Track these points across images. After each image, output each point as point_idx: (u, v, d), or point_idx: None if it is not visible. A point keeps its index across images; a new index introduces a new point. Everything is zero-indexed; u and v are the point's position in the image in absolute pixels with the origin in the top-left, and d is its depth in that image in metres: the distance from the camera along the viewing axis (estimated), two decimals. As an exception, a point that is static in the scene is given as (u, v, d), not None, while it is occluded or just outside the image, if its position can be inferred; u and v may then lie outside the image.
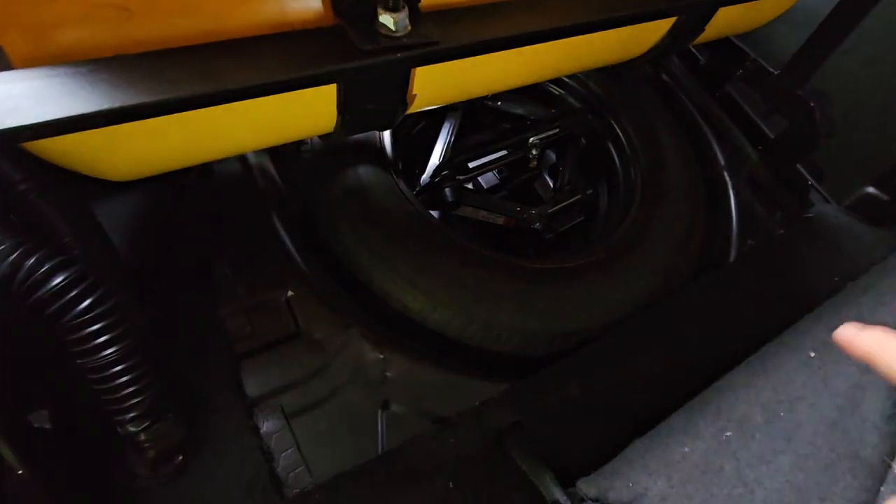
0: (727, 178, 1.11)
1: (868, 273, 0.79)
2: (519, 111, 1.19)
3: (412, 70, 0.50)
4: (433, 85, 0.56)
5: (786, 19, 1.02)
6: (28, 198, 0.47)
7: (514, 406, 0.70)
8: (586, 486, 0.57)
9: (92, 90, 0.34)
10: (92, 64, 0.34)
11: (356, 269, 0.82)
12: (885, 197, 0.98)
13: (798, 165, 1.02)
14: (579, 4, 0.55)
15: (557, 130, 1.12)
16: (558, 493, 0.58)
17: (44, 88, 0.33)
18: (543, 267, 0.86)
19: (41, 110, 0.32)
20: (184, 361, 0.69)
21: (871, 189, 0.99)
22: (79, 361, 0.51)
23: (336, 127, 0.53)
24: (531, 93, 1.18)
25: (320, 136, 0.61)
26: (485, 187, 1.14)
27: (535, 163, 1.13)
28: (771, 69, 1.02)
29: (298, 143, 0.91)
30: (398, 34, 0.42)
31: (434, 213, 1.03)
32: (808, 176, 1.02)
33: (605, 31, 0.60)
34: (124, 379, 0.53)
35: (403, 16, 0.42)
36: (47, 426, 0.56)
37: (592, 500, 0.55)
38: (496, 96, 1.17)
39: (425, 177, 1.02)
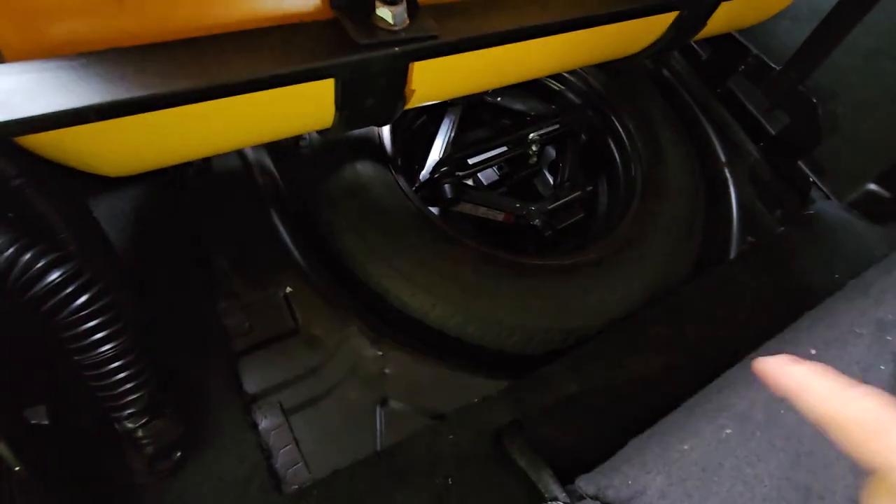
0: (728, 175, 1.10)
1: (869, 270, 0.79)
2: (519, 107, 1.19)
3: (410, 65, 0.50)
4: (432, 80, 0.56)
5: (788, 14, 1.01)
6: (23, 193, 0.47)
7: (513, 403, 0.70)
8: (585, 484, 0.57)
9: (84, 84, 0.33)
10: (84, 57, 0.34)
11: (355, 266, 0.82)
12: (886, 194, 0.97)
13: (799, 162, 1.02)
14: (580, -2, 0.55)
15: (557, 126, 1.11)
16: (557, 491, 0.58)
17: (35, 82, 0.32)
18: (543, 264, 0.85)
19: (33, 104, 0.32)
20: (182, 358, 0.68)
21: (872, 186, 0.99)
22: (76, 358, 0.51)
23: (334, 122, 0.53)
24: (531, 88, 1.18)
25: (318, 132, 0.60)
26: (484, 183, 1.14)
27: (534, 159, 1.13)
28: (773, 65, 1.01)
29: (297, 139, 0.90)
30: (396, 28, 0.42)
31: (433, 210, 1.03)
32: (809, 172, 1.01)
33: (606, 26, 0.59)
34: (121, 375, 0.52)
35: (401, 9, 0.42)
36: (44, 422, 0.56)
37: (591, 498, 0.55)
38: (496, 92, 1.17)
39: (425, 173, 1.02)
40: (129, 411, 0.54)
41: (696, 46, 1.18)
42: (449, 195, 0.99)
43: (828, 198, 1.01)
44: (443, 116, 1.08)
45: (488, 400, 0.70)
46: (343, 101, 0.48)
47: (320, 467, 0.67)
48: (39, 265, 0.46)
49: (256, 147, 0.91)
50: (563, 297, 0.83)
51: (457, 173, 1.01)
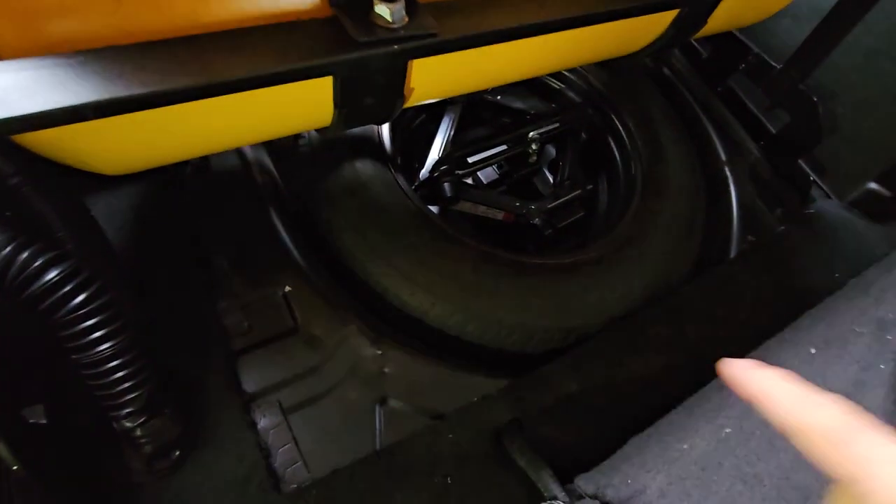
0: (728, 174, 1.10)
1: (869, 269, 0.79)
2: (519, 105, 1.18)
3: (409, 63, 0.50)
4: (431, 78, 0.56)
5: (788, 13, 1.01)
6: (20, 191, 0.46)
7: (513, 403, 0.70)
8: (584, 483, 0.57)
9: (82, 81, 0.33)
10: (82, 55, 0.34)
11: (354, 265, 0.81)
12: (887, 193, 0.97)
13: (800, 161, 1.02)
14: (580, -4, 0.54)
15: (557, 125, 1.11)
16: (556, 490, 0.58)
17: (33, 79, 0.32)
18: (543, 262, 0.85)
19: (30, 102, 0.32)
20: (181, 357, 0.68)
21: (873, 185, 0.99)
22: (73, 357, 0.51)
23: (333, 121, 0.53)
24: (531, 87, 1.18)
25: (317, 130, 0.60)
26: (484, 182, 1.14)
27: (534, 158, 1.12)
28: (773, 63, 1.01)
29: (296, 138, 0.90)
30: (395, 25, 0.42)
31: (433, 209, 1.03)
32: (809, 171, 1.01)
33: (606, 24, 0.59)
34: (120, 374, 0.52)
35: (400, 7, 0.41)
36: (43, 421, 0.56)
37: (590, 497, 0.55)
38: (496, 90, 1.16)
39: (424, 171, 1.02)
40: (127, 410, 0.54)
41: (696, 45, 1.18)
42: (448, 194, 0.99)
43: (828, 197, 1.00)
44: (442, 115, 1.08)
45: (488, 399, 0.70)
46: (342, 99, 0.48)
47: (319, 466, 0.67)
48: (37, 264, 0.46)
49: (255, 146, 0.91)
50: (563, 296, 0.83)
51: (456, 172, 1.01)
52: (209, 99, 0.39)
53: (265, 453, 0.66)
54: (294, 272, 0.80)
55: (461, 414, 0.69)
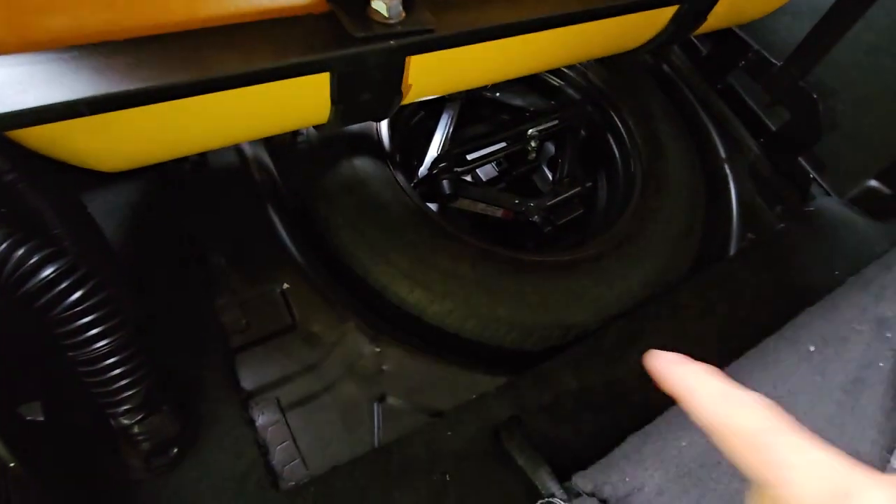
0: (728, 171, 1.10)
1: (869, 267, 0.79)
2: (518, 102, 1.18)
3: (407, 59, 0.49)
4: (429, 74, 0.55)
5: (788, 10, 1.00)
6: (16, 188, 0.46)
7: (511, 400, 0.70)
8: (582, 481, 0.57)
9: (76, 77, 0.33)
10: (76, 50, 0.33)
11: (353, 262, 0.81)
12: (887, 190, 0.97)
13: (799, 158, 1.01)
14: (579, -8, 0.54)
15: (557, 122, 1.11)
16: (554, 488, 0.57)
17: (26, 75, 0.32)
18: (542, 260, 0.85)
19: (23, 98, 0.31)
20: (179, 354, 0.68)
21: (873, 182, 0.98)
22: (70, 354, 0.50)
23: (330, 117, 0.53)
24: (530, 84, 1.17)
25: (315, 127, 0.60)
26: (483, 179, 1.13)
27: (533, 155, 1.12)
28: (774, 60, 1.01)
29: (294, 134, 0.90)
30: (392, 21, 0.41)
31: (432, 206, 1.02)
32: (809, 169, 1.01)
33: (606, 20, 0.59)
34: (117, 372, 0.52)
35: (397, 2, 0.41)
36: (40, 419, 0.55)
37: (588, 495, 0.55)
38: (495, 87, 1.16)
39: (423, 169, 1.01)
40: (124, 407, 0.54)
41: (696, 42, 1.17)
42: (447, 191, 0.98)
43: (828, 194, 1.00)
44: (441, 112, 1.07)
45: (486, 396, 0.70)
46: (339, 95, 0.48)
47: (318, 464, 0.67)
48: (33, 260, 0.46)
49: (253, 142, 0.91)
50: (562, 294, 0.83)
51: (455, 169, 1.01)
52: (205, 95, 0.38)
53: (263, 450, 0.66)
54: (292, 269, 0.80)
55: (460, 411, 0.69)
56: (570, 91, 1.15)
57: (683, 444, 0.58)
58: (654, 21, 0.71)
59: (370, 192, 0.84)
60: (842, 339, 0.66)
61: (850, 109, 0.99)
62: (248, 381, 0.71)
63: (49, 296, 0.47)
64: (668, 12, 0.70)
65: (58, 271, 0.47)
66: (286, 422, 0.69)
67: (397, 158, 0.93)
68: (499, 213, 1.05)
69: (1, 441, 0.48)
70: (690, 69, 1.18)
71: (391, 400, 0.74)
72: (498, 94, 1.16)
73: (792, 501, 0.27)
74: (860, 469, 0.27)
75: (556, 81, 1.16)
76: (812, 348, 0.65)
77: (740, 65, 1.08)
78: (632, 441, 0.60)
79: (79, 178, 0.52)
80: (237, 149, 0.89)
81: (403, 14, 0.43)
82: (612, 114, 1.10)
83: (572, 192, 1.08)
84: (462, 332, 0.80)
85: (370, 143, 0.89)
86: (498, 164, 1.15)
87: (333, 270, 0.83)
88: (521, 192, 1.11)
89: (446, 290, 0.78)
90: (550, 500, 0.57)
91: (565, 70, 1.13)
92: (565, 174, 1.11)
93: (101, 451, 0.59)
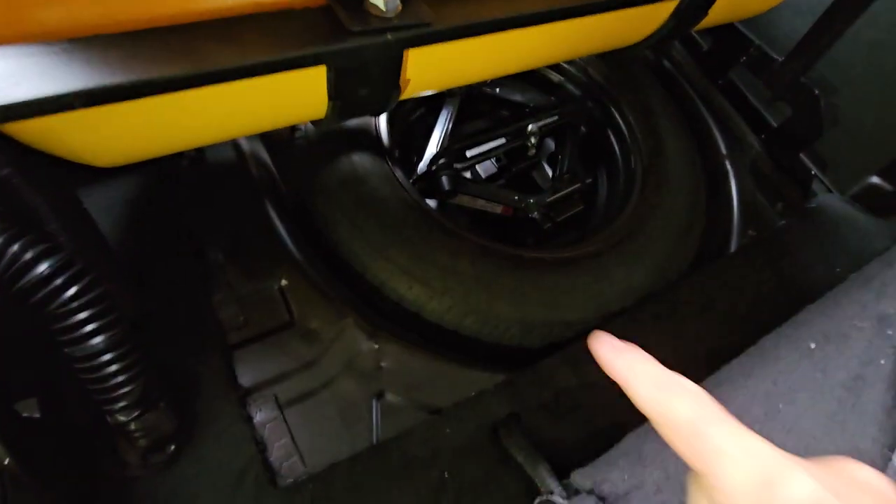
0: (728, 168, 1.09)
1: (870, 264, 0.78)
2: (518, 98, 1.18)
3: (405, 53, 0.49)
4: (427, 69, 0.55)
5: (791, 5, 1.00)
6: (10, 183, 0.46)
7: (511, 397, 0.69)
8: (581, 478, 0.56)
9: (69, 70, 0.33)
10: (68, 43, 0.33)
11: (351, 258, 0.81)
12: (889, 187, 0.96)
13: (801, 155, 1.01)
14: (578, -14, 0.53)
15: (557, 118, 1.10)
16: (553, 485, 0.57)
17: (17, 68, 0.32)
18: (541, 257, 0.85)
19: (15, 91, 0.31)
20: (176, 351, 0.68)
21: (875, 179, 0.98)
22: (66, 350, 0.50)
23: (327, 112, 0.52)
24: (530, 80, 1.17)
25: (313, 122, 0.60)
26: (482, 176, 1.13)
27: (533, 151, 1.12)
28: (775, 56, 1.00)
29: (292, 130, 0.90)
30: (388, 15, 0.41)
31: (431, 202, 1.02)
32: (811, 165, 1.00)
33: (606, 14, 0.58)
34: (113, 368, 0.52)
35: (394, -5, 0.41)
36: (36, 415, 0.55)
37: (587, 492, 0.55)
38: (495, 83, 1.16)
39: (422, 165, 1.01)
40: (121, 404, 0.54)
41: (697, 37, 1.17)
42: (446, 187, 0.98)
43: (829, 191, 1.00)
44: (440, 108, 1.07)
45: (485, 393, 0.70)
46: (336, 90, 0.47)
47: (316, 461, 0.67)
48: (28, 256, 0.45)
49: (251, 138, 0.90)
50: (562, 290, 0.82)
51: (455, 165, 1.00)
52: (200, 89, 0.38)
53: (261, 448, 0.65)
54: (290, 266, 0.80)
55: (459, 408, 0.68)
56: (571, 87, 1.15)
57: (683, 441, 0.57)
58: (655, 16, 0.71)
59: (369, 188, 0.83)
60: (843, 336, 0.66)
61: (852, 106, 0.99)
62: (245, 378, 0.71)
63: (44, 292, 0.46)
64: (668, 7, 0.69)
65: (53, 267, 0.46)
66: (284, 419, 0.69)
67: (396, 154, 0.93)
68: (498, 209, 1.05)
69: (-4, 437, 0.48)
70: (691, 65, 1.17)
71: (390, 397, 0.74)
72: (497, 90, 1.16)
73: (722, 489, 0.27)
74: (788, 457, 0.27)
75: (556, 77, 1.15)
76: (813, 345, 0.65)
77: (741, 60, 1.07)
78: (631, 439, 0.60)
79: (74, 174, 0.52)
80: (234, 144, 0.88)
81: (400, 7, 0.42)
82: (613, 110, 1.09)
83: (572, 188, 1.08)
84: (461, 329, 0.80)
85: (369, 139, 0.88)
86: (497, 161, 1.15)
87: (332, 267, 0.83)
88: (521, 188, 1.11)
89: (445, 286, 0.78)
90: (549, 497, 0.57)
91: (565, 66, 1.13)
92: (565, 170, 1.10)
93: (98, 447, 0.59)
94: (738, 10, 0.88)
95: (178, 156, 0.83)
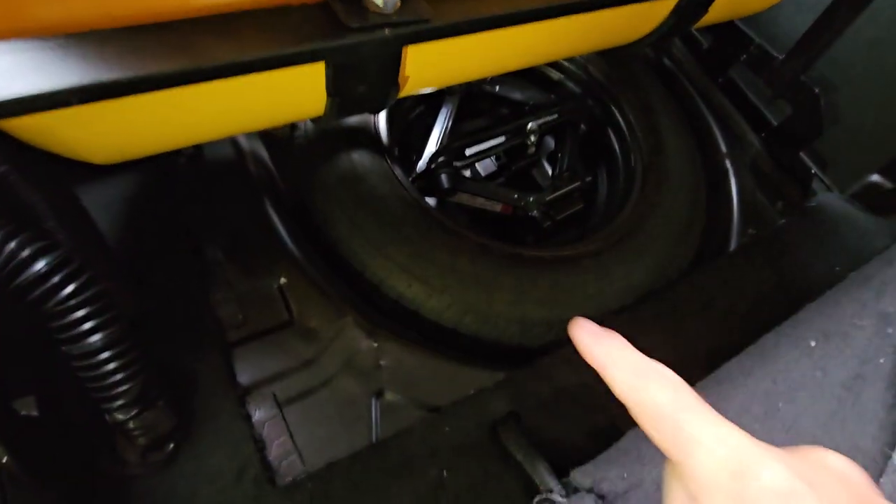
0: (728, 166, 1.09)
1: (870, 263, 0.78)
2: (517, 96, 1.17)
3: (404, 50, 0.49)
4: (426, 66, 0.55)
5: (791, 2, 0.99)
6: (7, 180, 0.46)
7: (510, 395, 0.69)
8: (580, 476, 0.56)
9: (65, 66, 0.32)
10: (64, 38, 0.33)
11: (350, 257, 0.81)
12: (889, 185, 0.96)
13: (801, 153, 1.01)
14: (578, -18, 0.53)
15: (556, 116, 1.10)
16: (552, 483, 0.57)
17: (13, 63, 0.31)
18: (541, 255, 0.85)
19: (10, 86, 0.31)
20: (174, 349, 0.68)
21: (875, 177, 0.98)
22: (64, 348, 0.50)
23: (326, 109, 0.52)
24: (530, 78, 1.16)
25: (312, 120, 0.59)
26: (482, 174, 1.13)
27: (533, 149, 1.11)
28: (775, 54, 1.00)
29: (291, 128, 0.89)
30: (387, 11, 0.41)
31: (430, 201, 1.02)
32: (811, 164, 1.00)
33: (606, 11, 0.58)
34: (111, 366, 0.52)
35: (393, -9, 0.41)
36: (34, 413, 0.55)
37: (586, 491, 0.55)
38: (494, 81, 1.15)
39: (421, 163, 1.01)
40: (119, 402, 0.53)
41: (697, 35, 1.16)
42: (446, 185, 0.98)
43: (829, 189, 0.99)
44: (440, 106, 1.06)
45: (485, 392, 0.70)
46: (334, 86, 0.47)
47: (315, 459, 0.67)
48: (25, 253, 0.45)
49: (250, 136, 0.90)
50: (562, 289, 0.82)
51: (454, 163, 1.00)
52: (198, 85, 0.38)
53: (260, 446, 0.65)
54: (289, 264, 0.79)
55: (458, 407, 0.68)
56: (571, 85, 1.14)
57: (682, 439, 0.57)
58: (655, 13, 0.71)
59: (368, 186, 0.83)
60: (843, 334, 0.66)
61: (852, 104, 0.98)
62: (244, 377, 0.70)
63: (42, 289, 0.46)
64: (668, 4, 0.69)
65: (51, 264, 0.46)
66: (283, 417, 0.69)
67: (395, 152, 0.92)
68: (498, 207, 1.05)
69: (-6, 436, 0.48)
70: (691, 63, 1.17)
71: (389, 395, 0.73)
72: (497, 88, 1.16)
73: (695, 477, 0.27)
74: (761, 445, 0.27)
75: (556, 75, 1.15)
76: (813, 344, 0.64)
77: (742, 59, 1.07)
78: (630, 437, 0.60)
79: (72, 171, 0.52)
80: (233, 142, 0.88)
81: (399, 4, 0.42)
82: (613, 108, 1.09)
83: (572, 186, 1.07)
84: (460, 327, 0.80)
85: (368, 137, 0.88)
86: (497, 159, 1.15)
87: (331, 265, 0.83)
88: (521, 186, 1.11)
89: (445, 284, 0.78)
90: (548, 495, 0.57)
91: (565, 63, 1.13)
92: (565, 169, 1.10)
93: (97, 446, 0.59)
94: (739, 8, 0.88)
95: (177, 153, 0.82)
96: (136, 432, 0.56)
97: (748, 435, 0.28)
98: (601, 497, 0.54)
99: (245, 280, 0.76)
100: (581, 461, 0.58)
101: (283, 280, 0.78)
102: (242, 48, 0.37)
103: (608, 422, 0.66)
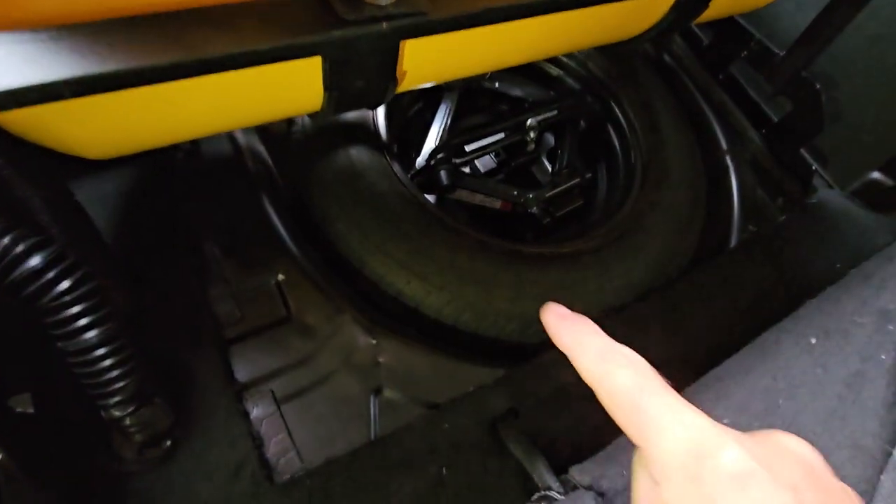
0: (729, 163, 1.09)
1: (871, 259, 0.78)
2: (517, 93, 1.17)
3: (402, 44, 0.48)
4: (424, 61, 0.54)
5: (792, -3, 0.99)
6: (1, 175, 0.45)
7: (509, 392, 0.69)
8: (579, 474, 0.56)
9: (57, 58, 0.32)
10: (56, 30, 0.32)
11: (349, 253, 0.80)
12: (890, 182, 0.96)
13: (801, 150, 1.00)
14: (578, -24, 0.53)
15: (556, 113, 1.09)
16: (551, 480, 0.57)
17: (4, 55, 0.31)
18: (540, 252, 0.84)
19: (1, 79, 0.30)
20: (171, 345, 0.68)
21: (876, 174, 0.97)
22: (60, 345, 0.50)
23: (323, 104, 0.51)
24: (530, 74, 1.16)
25: (309, 115, 0.59)
26: (481, 171, 1.12)
27: (532, 146, 1.11)
28: (776, 50, 0.99)
29: (289, 124, 0.89)
30: (383, 3, 0.40)
31: (429, 197, 1.02)
32: (811, 161, 1.00)
33: (606, 6, 0.57)
34: (107, 363, 0.51)
35: (390, -16, 0.40)
36: (30, 410, 0.55)
37: (585, 488, 0.54)
38: (494, 77, 1.15)
39: (420, 160, 1.00)
40: (115, 399, 0.53)
41: (697, 31, 1.16)
42: (445, 182, 0.97)
43: (830, 186, 0.99)
44: (439, 102, 1.06)
45: (484, 389, 0.69)
46: (331, 81, 0.46)
47: (313, 456, 0.66)
48: (19, 249, 0.45)
49: (247, 131, 0.90)
50: (561, 286, 0.82)
51: (453, 160, 1.00)
52: (192, 79, 0.37)
53: (258, 443, 0.65)
54: (287, 260, 0.79)
55: (457, 404, 0.68)
56: (570, 81, 1.14)
57: (682, 437, 0.57)
58: (655, 8, 0.70)
59: (367, 183, 0.83)
60: (843, 331, 0.65)
61: (853, 100, 0.98)
62: (242, 374, 0.70)
63: (36, 285, 0.46)
64: (669, -1, 0.68)
65: (45, 260, 0.46)
66: (281, 414, 0.68)
67: (394, 149, 0.92)
68: (497, 204, 1.04)
69: (-11, 433, 0.48)
70: (692, 59, 1.16)
71: (387, 392, 0.73)
72: (497, 85, 1.15)
73: (655, 459, 0.27)
74: (720, 428, 0.27)
75: (555, 71, 1.14)
76: (813, 341, 0.64)
77: (742, 55, 1.06)
78: (630, 434, 0.60)
79: (67, 166, 0.51)
80: (231, 138, 0.87)
81: (396, -4, 0.41)
82: (613, 105, 1.08)
83: (572, 183, 1.07)
84: (459, 324, 0.80)
85: (367, 133, 0.88)
86: (496, 155, 1.14)
87: (329, 261, 0.82)
88: (520, 183, 1.10)
89: (443, 281, 0.78)
90: (547, 493, 0.57)
91: (565, 60, 1.12)
92: (565, 165, 1.10)
93: (93, 443, 0.59)
94: (739, 4, 0.87)
95: (174, 149, 0.82)
96: (132, 429, 0.56)
97: (709, 419, 0.28)
98: (600, 494, 0.54)
99: (243, 276, 0.76)
100: (580, 458, 0.58)
101: (280, 276, 0.77)
102: (237, 41, 0.37)
103: (607, 419, 0.66)
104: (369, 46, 0.43)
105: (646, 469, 0.29)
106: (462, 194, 1.02)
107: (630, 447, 0.52)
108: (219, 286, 0.74)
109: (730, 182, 1.07)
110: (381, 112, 0.91)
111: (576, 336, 0.32)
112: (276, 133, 0.91)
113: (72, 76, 0.31)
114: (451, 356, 0.77)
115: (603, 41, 0.75)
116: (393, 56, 0.47)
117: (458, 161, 1.01)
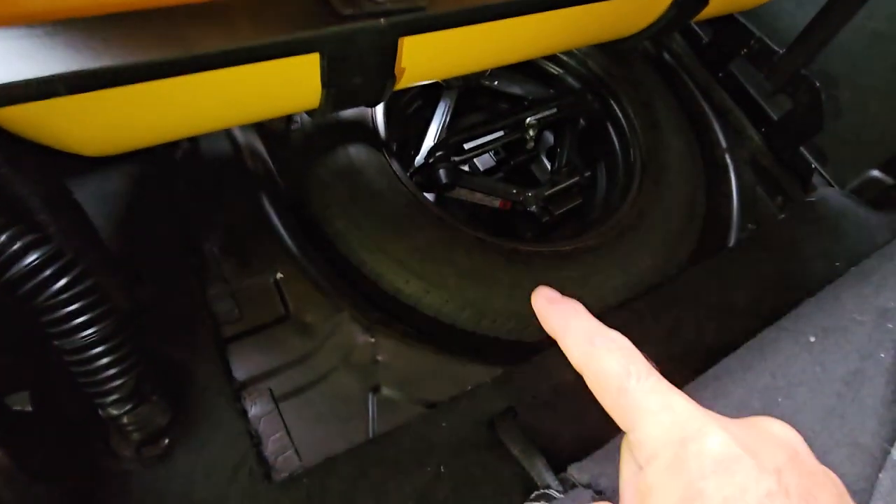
0: (728, 161, 1.09)
1: (870, 258, 0.78)
2: (516, 91, 1.17)
3: (400, 41, 0.48)
4: (423, 58, 0.54)
5: (792, -5, 0.99)
6: (-3, 172, 0.45)
7: (507, 391, 0.69)
8: (578, 472, 0.56)
9: (53, 53, 0.32)
10: (51, 26, 0.32)
11: (347, 252, 0.80)
12: (890, 181, 0.96)
13: (801, 148, 1.00)
14: (577, -27, 0.52)
15: (556, 111, 1.09)
16: (550, 479, 0.57)
17: (-1, 51, 0.31)
18: (539, 250, 0.84)
19: (-4, 74, 0.30)
20: (170, 344, 0.67)
21: (875, 173, 0.97)
22: (57, 343, 0.49)
23: (321, 102, 0.51)
24: (529, 72, 1.16)
25: (307, 113, 0.59)
26: (480, 169, 1.12)
27: (532, 144, 1.11)
28: (776, 48, 0.99)
29: (288, 121, 0.89)
30: (381, -1, 0.40)
31: (428, 196, 1.01)
32: (811, 159, 1.00)
33: (605, 3, 0.57)
34: (105, 361, 0.51)
35: (387, -20, 0.40)
36: (28, 409, 0.55)
37: (584, 486, 0.54)
38: (493, 75, 1.15)
39: (419, 158, 1.00)
40: (113, 397, 0.53)
41: (697, 29, 1.16)
42: (444, 180, 0.97)
43: (830, 184, 0.99)
44: (438, 100, 1.06)
45: (482, 387, 0.69)
46: (329, 78, 0.46)
47: (311, 455, 0.66)
48: (16, 247, 0.44)
49: (246, 129, 0.89)
50: (561, 284, 0.81)
51: (452, 158, 1.00)
52: (189, 75, 0.37)
53: (256, 441, 0.65)
54: (286, 259, 0.79)
55: (455, 402, 0.68)
56: (570, 79, 1.14)
57: (681, 435, 0.57)
58: (654, 5, 0.70)
59: (365, 181, 0.82)
60: (842, 329, 0.65)
61: (853, 98, 0.98)
62: (240, 372, 0.70)
63: (34, 282, 0.46)
64: (668, -4, 0.68)
65: (42, 258, 0.45)
66: (279, 412, 0.68)
67: (393, 147, 0.92)
68: (496, 202, 1.04)
69: (-13, 431, 0.47)
70: (691, 57, 1.16)
71: (386, 391, 0.73)
72: (496, 83, 1.15)
73: (641, 445, 0.27)
74: (705, 413, 0.27)
75: (555, 69, 1.14)
76: (812, 339, 0.64)
77: (742, 53, 1.06)
78: (629, 432, 0.59)
79: (65, 164, 0.51)
80: (230, 136, 0.87)
81: (394, -8, 0.41)
82: (612, 103, 1.08)
83: (571, 181, 1.07)
84: (458, 323, 0.80)
85: (365, 131, 0.88)
86: (496, 154, 1.14)
87: (328, 260, 0.82)
88: (519, 181, 1.10)
89: (442, 280, 0.78)
90: (546, 491, 0.57)
91: (564, 58, 1.12)
92: (564, 163, 1.10)
93: (91, 441, 0.58)
94: (739, 1, 0.87)
95: (172, 147, 0.82)
96: (130, 427, 0.56)
97: (694, 403, 0.28)
98: (599, 493, 0.54)
99: (241, 275, 0.76)
100: (579, 457, 0.58)
101: (279, 275, 0.77)
102: (234, 36, 0.36)
103: (606, 417, 0.66)
104: (367, 43, 0.43)
105: (631, 454, 0.29)
106: (461, 192, 1.02)
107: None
108: (217, 285, 0.74)
109: (729, 180, 1.07)
110: (379, 110, 0.90)
111: (564, 319, 0.32)
112: (274, 131, 0.90)
113: (67, 72, 0.31)
114: (449, 355, 0.77)
115: (602, 38, 0.75)
116: (391, 53, 0.47)
117: (457, 159, 1.01)
